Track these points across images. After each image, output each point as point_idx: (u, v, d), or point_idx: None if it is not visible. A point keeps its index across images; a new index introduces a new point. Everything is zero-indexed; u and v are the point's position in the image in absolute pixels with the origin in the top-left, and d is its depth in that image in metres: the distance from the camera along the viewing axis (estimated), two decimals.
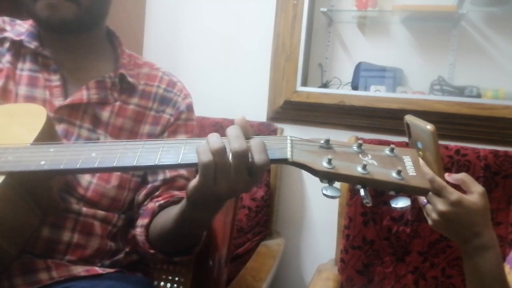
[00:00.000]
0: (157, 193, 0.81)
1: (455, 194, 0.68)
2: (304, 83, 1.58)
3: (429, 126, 0.68)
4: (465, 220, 0.68)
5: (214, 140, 0.52)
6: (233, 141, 0.52)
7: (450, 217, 0.69)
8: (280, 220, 1.60)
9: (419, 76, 1.51)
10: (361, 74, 1.51)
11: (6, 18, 0.84)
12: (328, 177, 0.51)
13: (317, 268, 1.33)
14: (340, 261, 1.26)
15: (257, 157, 0.52)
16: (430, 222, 0.73)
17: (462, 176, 0.71)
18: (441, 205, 0.69)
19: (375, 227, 1.22)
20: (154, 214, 0.77)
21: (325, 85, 1.59)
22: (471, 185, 0.70)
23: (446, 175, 0.72)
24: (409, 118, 0.76)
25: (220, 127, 1.51)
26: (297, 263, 1.61)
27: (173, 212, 0.68)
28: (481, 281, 0.70)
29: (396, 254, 1.22)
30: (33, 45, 0.78)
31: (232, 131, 0.53)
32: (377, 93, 1.46)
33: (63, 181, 0.73)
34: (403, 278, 1.21)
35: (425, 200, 0.72)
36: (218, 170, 0.52)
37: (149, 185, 0.81)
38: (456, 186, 0.71)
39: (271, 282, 1.26)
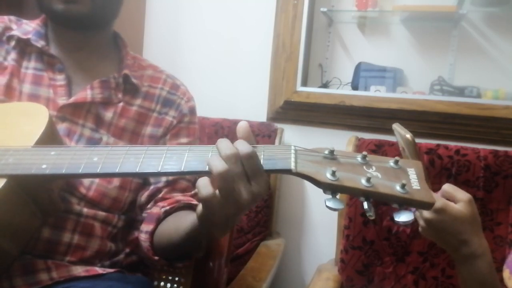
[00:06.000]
0: (160, 196, 0.81)
1: (439, 202, 0.67)
2: (304, 83, 1.58)
3: (408, 135, 0.67)
4: (450, 228, 0.68)
5: (216, 163, 0.50)
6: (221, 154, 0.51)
7: (435, 225, 0.68)
8: (280, 221, 1.60)
9: (419, 76, 1.51)
10: (361, 74, 1.50)
11: (13, 17, 0.84)
12: (332, 189, 0.49)
13: (317, 268, 1.33)
14: (340, 261, 1.26)
15: (241, 146, 0.51)
16: (419, 228, 0.73)
17: (445, 187, 0.71)
18: (426, 212, 0.68)
19: (375, 227, 1.22)
20: (159, 220, 0.76)
21: (325, 85, 1.58)
22: (455, 194, 0.69)
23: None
24: (394, 126, 0.76)
25: (220, 127, 1.51)
26: (297, 263, 1.61)
27: (182, 225, 0.67)
28: None
29: (396, 254, 1.22)
30: (40, 44, 0.79)
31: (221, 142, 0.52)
32: (377, 93, 1.46)
33: (63, 182, 0.73)
34: (403, 279, 1.21)
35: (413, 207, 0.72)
36: (223, 198, 0.51)
37: (152, 187, 0.81)
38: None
39: (271, 282, 1.26)
